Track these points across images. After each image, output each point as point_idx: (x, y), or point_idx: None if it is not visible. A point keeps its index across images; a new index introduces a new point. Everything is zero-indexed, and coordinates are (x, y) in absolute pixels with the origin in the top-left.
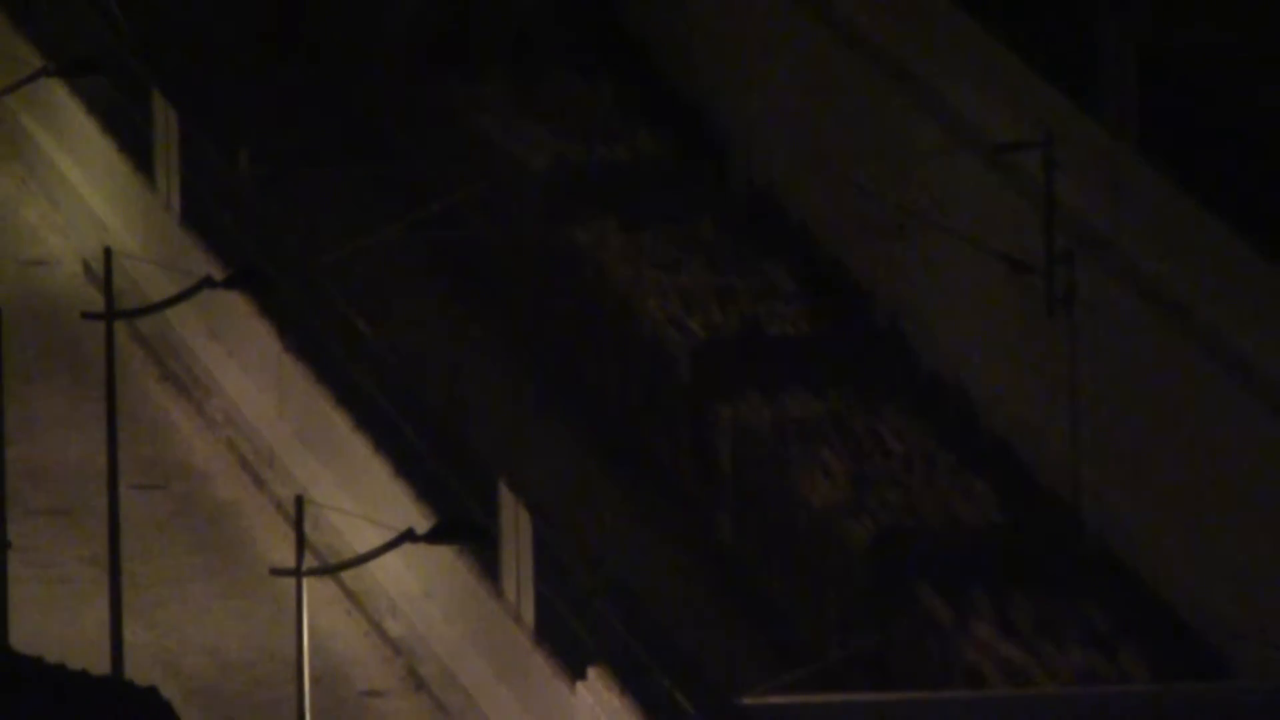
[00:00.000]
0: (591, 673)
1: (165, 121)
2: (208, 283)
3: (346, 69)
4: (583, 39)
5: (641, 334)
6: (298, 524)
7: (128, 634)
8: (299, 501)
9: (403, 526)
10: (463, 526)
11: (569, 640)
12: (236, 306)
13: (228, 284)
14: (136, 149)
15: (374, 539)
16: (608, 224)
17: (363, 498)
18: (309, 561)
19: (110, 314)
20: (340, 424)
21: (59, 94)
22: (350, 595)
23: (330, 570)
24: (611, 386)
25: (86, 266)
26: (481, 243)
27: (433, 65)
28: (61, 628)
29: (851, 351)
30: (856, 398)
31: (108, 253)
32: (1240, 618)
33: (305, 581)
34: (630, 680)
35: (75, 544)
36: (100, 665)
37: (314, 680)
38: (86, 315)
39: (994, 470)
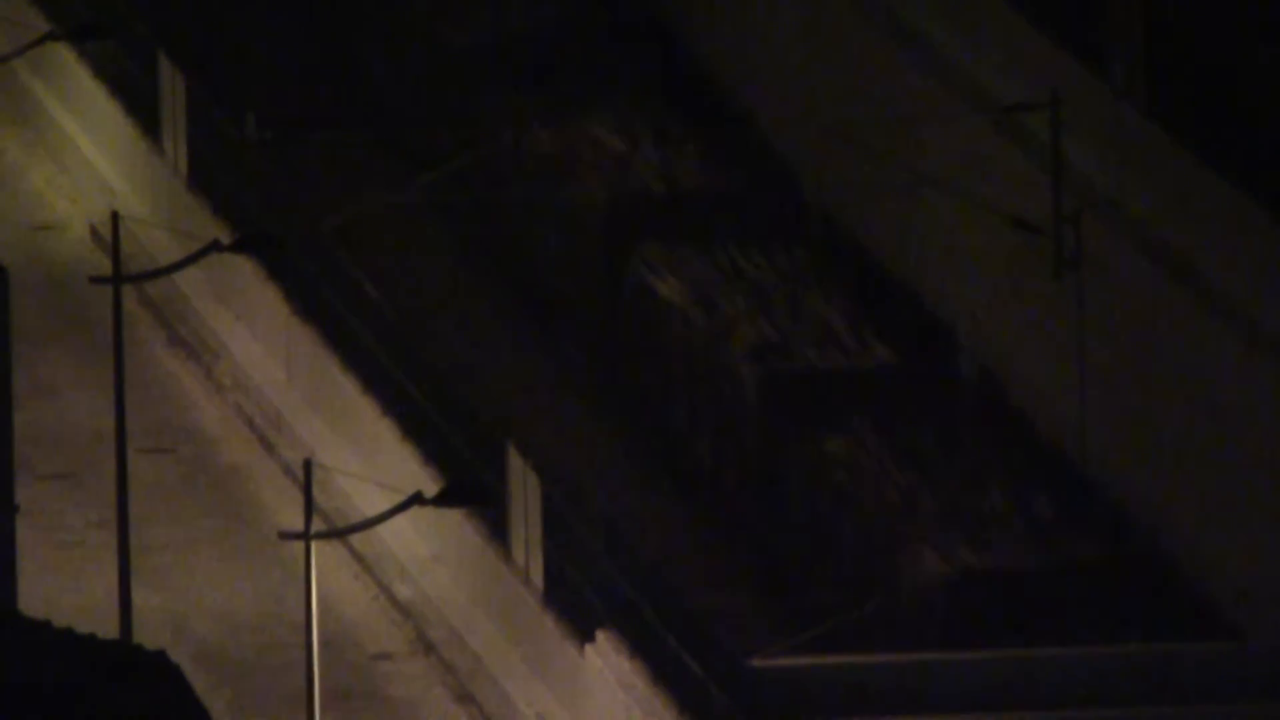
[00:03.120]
0: (600, 635)
1: (172, 85)
2: (215, 246)
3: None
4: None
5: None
6: (306, 488)
7: (136, 598)
8: (307, 465)
9: (411, 490)
10: (471, 489)
11: (578, 603)
12: (244, 270)
13: (235, 248)
14: (144, 113)
15: (382, 502)
16: None
17: (371, 461)
18: (317, 525)
19: (118, 278)
20: (348, 387)
21: (66, 58)
22: (359, 559)
23: (338, 534)
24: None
25: (94, 231)
26: (488, 205)
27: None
28: (70, 592)
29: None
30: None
31: (115, 217)
32: (1248, 578)
33: (314, 545)
34: (639, 643)
35: (83, 508)
36: (109, 629)
37: (323, 644)
38: (94, 280)
39: (1001, 428)
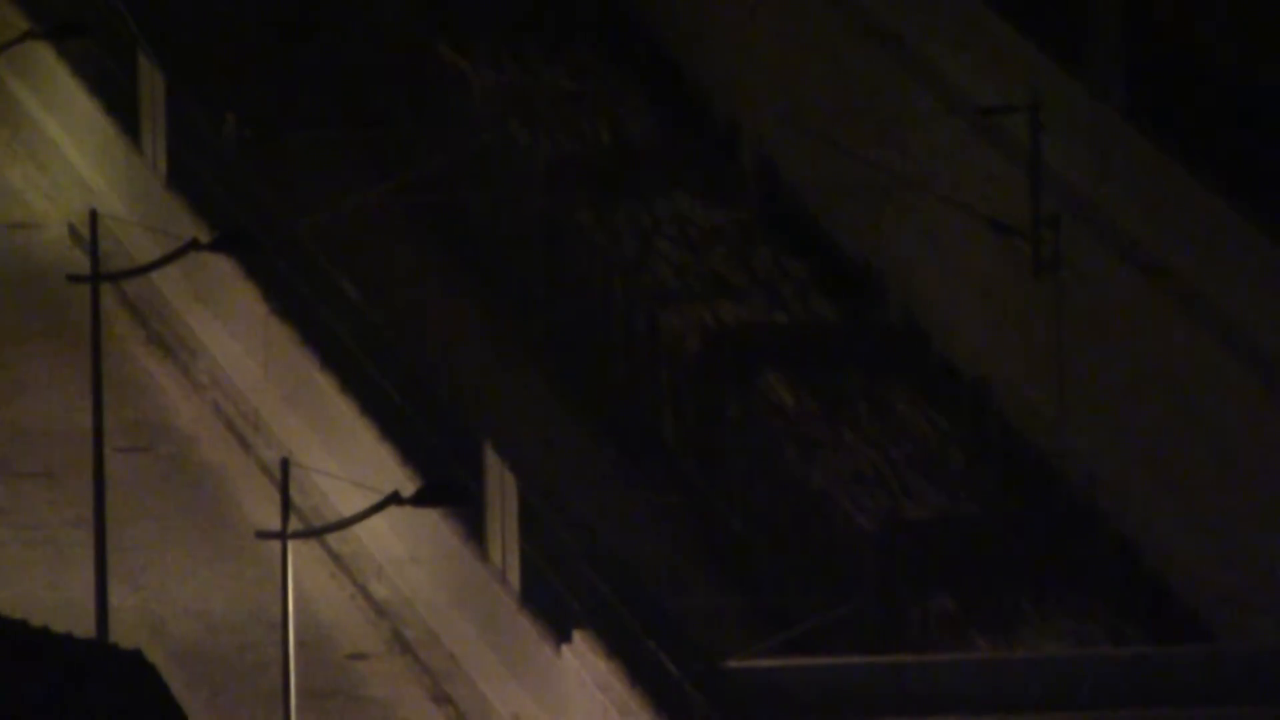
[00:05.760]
0: (577, 636)
1: (151, 84)
2: (194, 245)
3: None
4: None
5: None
6: (283, 487)
7: (113, 597)
8: (284, 464)
9: (388, 489)
10: (448, 489)
11: (554, 603)
12: (222, 269)
13: (214, 246)
14: (123, 111)
15: (359, 502)
16: None
17: (348, 461)
18: (294, 524)
19: (96, 277)
20: (326, 387)
21: (45, 56)
22: (336, 558)
23: (315, 533)
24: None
25: (72, 229)
26: (465, 205)
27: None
28: (46, 591)
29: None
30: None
31: (93, 215)
32: (1222, 578)
33: (291, 544)
34: (615, 643)
35: (60, 506)
36: (85, 628)
37: (300, 643)
38: (72, 278)
39: (977, 429)
